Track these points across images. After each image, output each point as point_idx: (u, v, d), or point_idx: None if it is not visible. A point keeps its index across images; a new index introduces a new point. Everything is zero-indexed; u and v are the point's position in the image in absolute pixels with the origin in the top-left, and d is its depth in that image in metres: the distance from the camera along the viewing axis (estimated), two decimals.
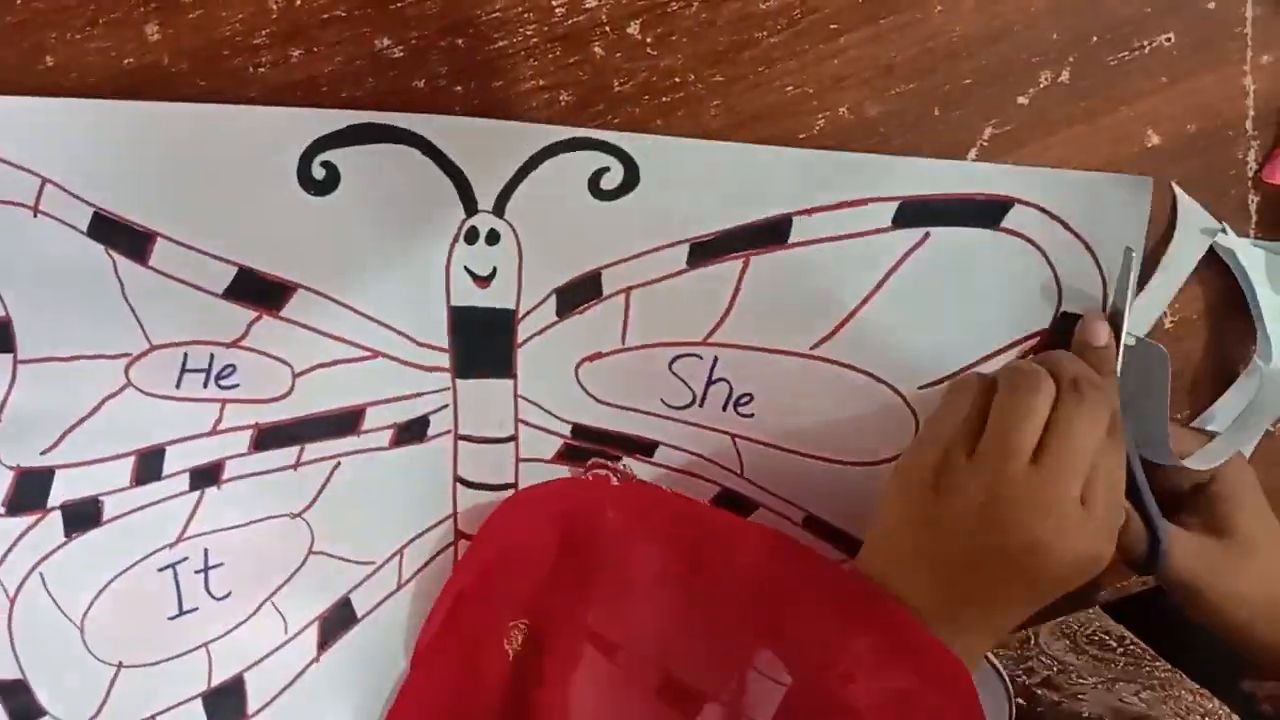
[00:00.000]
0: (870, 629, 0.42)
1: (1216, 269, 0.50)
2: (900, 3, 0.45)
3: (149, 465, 0.49)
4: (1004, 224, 0.47)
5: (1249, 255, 0.48)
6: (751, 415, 0.50)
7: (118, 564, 0.50)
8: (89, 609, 0.50)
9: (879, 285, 0.47)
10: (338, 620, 0.52)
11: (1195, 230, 0.48)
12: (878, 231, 0.46)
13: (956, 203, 0.46)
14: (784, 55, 0.46)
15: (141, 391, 0.48)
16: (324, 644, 0.52)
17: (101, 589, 0.50)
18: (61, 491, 0.49)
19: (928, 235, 0.46)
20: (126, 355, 0.48)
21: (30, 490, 0.48)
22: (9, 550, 0.49)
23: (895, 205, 0.45)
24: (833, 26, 0.46)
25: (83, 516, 0.49)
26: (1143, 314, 0.49)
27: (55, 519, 0.49)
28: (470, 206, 0.48)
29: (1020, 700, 0.58)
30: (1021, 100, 0.46)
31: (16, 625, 0.50)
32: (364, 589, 0.52)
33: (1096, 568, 0.42)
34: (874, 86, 0.46)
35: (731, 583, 0.47)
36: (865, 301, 0.48)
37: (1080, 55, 0.46)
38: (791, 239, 0.47)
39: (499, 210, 0.48)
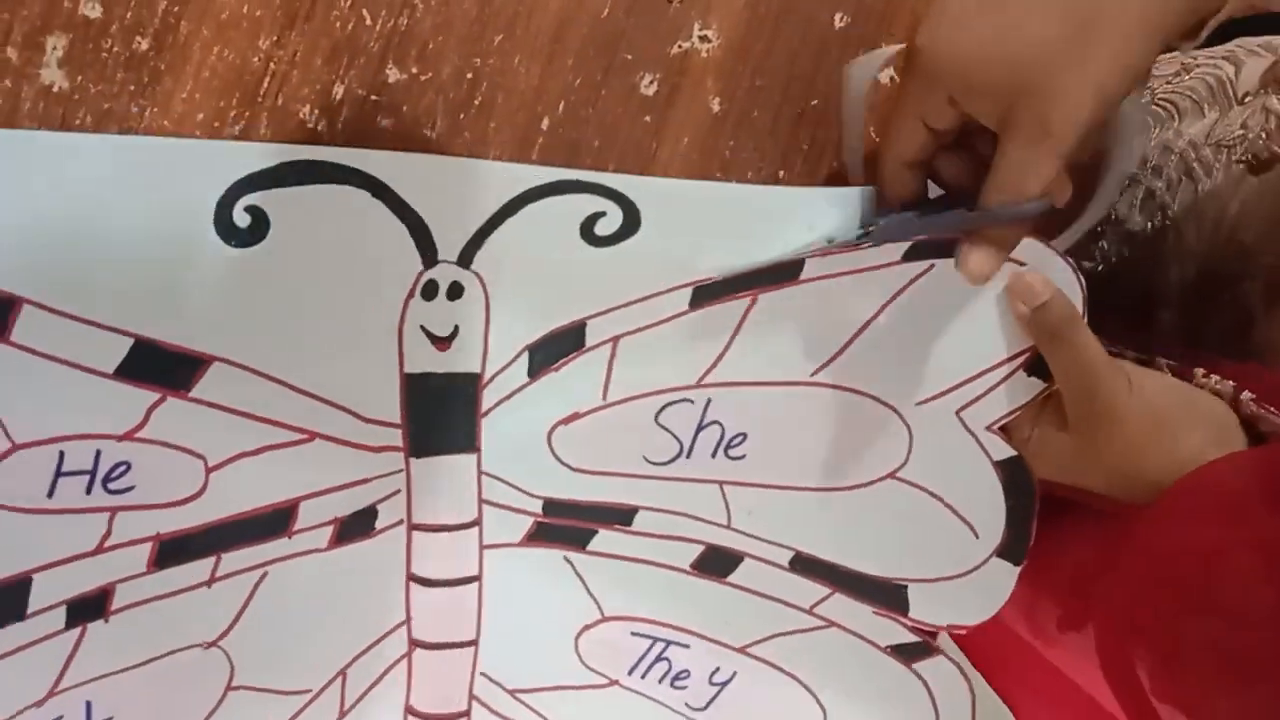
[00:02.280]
0: None
1: None
2: None
3: (9, 601, 0.37)
4: None
5: None
6: (743, 457, 0.46)
7: None
8: None
9: (882, 309, 0.44)
10: None
11: None
12: (889, 265, 0.44)
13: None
14: None
15: None
16: None
17: None
18: None
19: (933, 265, 0.44)
20: None
21: None
22: None
23: (908, 244, 0.44)
24: None
25: None
26: None
27: None
28: (429, 257, 0.40)
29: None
30: None
31: None
32: None
33: None
34: None
35: None
36: (867, 325, 0.45)
37: None
38: (803, 276, 0.43)
39: (465, 260, 0.41)
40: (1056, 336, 0.43)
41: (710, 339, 0.44)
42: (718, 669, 0.50)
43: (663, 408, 0.45)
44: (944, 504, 0.48)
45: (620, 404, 0.45)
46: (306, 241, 0.38)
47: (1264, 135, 0.51)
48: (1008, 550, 0.49)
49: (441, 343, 0.42)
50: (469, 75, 0.39)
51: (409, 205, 0.39)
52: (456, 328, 0.42)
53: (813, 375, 0.45)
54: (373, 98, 0.38)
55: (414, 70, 0.39)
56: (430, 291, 0.41)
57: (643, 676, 0.49)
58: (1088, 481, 0.46)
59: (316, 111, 0.38)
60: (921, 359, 0.46)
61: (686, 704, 0.50)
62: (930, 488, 0.48)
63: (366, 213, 0.39)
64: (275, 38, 0.37)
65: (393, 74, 0.39)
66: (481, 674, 0.46)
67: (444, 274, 0.41)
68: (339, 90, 0.38)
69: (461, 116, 0.40)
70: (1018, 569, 0.49)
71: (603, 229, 0.42)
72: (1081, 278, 0.44)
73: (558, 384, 0.43)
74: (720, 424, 0.46)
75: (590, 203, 0.41)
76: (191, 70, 0.36)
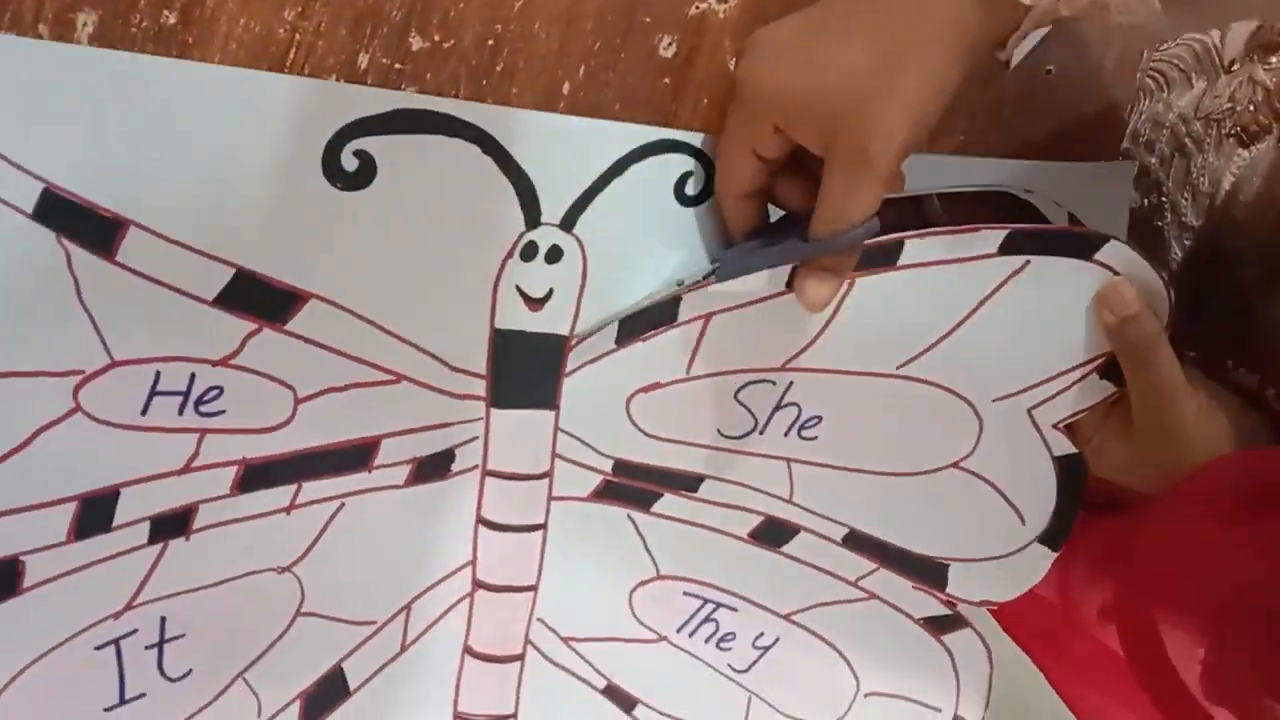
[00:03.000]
0: None
1: None
2: None
3: (95, 513, 0.38)
4: (1097, 257, 0.45)
5: None
6: (815, 439, 0.47)
7: (37, 645, 0.39)
8: None
9: (976, 309, 0.44)
10: (325, 695, 0.44)
11: None
12: (984, 257, 0.43)
13: (1061, 234, 0.45)
14: None
15: (93, 419, 0.37)
16: None
17: (7, 682, 0.38)
18: None
19: (1028, 263, 0.44)
20: (77, 373, 0.36)
21: None
22: None
23: (1004, 234, 0.43)
24: None
25: None
26: None
27: None
28: (533, 219, 0.40)
29: None
30: None
31: None
32: (360, 655, 0.44)
33: None
34: None
35: None
36: (961, 324, 0.45)
37: None
38: (901, 262, 0.43)
39: (568, 224, 0.41)
40: (1139, 351, 0.44)
41: (802, 325, 0.44)
42: (762, 634, 0.51)
43: (743, 385, 0.46)
44: (999, 492, 0.49)
45: (702, 378, 0.45)
46: (411, 190, 0.39)
47: (1251, 107, 0.50)
48: (1049, 538, 0.50)
49: (535, 304, 0.42)
50: (490, 42, 0.39)
51: (518, 165, 0.40)
52: (551, 290, 0.42)
53: (898, 368, 0.46)
54: (397, 66, 0.38)
55: (436, 38, 0.38)
56: (530, 253, 0.41)
57: (690, 635, 0.50)
58: (1138, 486, 0.47)
59: (342, 81, 0.38)
60: (1006, 357, 0.46)
61: (730, 665, 0.51)
62: (990, 478, 0.48)
63: (474, 168, 0.39)
64: (300, 9, 0.37)
65: (416, 42, 0.38)
66: (538, 619, 0.47)
67: (545, 236, 0.41)
68: (363, 60, 0.38)
69: (484, 83, 0.39)
70: (1055, 554, 0.50)
71: (691, 188, 0.42)
72: (1171, 292, 0.45)
73: (643, 353, 0.44)
74: (798, 406, 0.46)
75: (681, 162, 0.42)
76: (218, 43, 0.36)
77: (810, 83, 0.38)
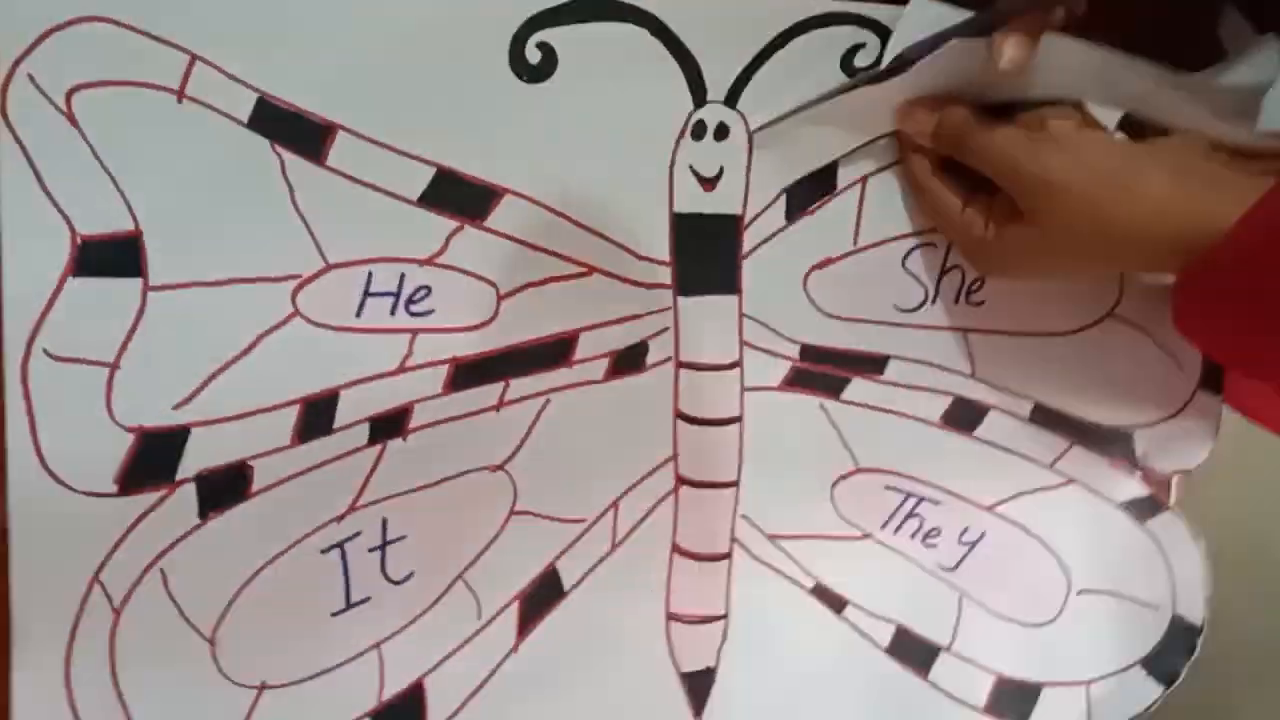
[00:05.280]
0: None
1: None
2: None
3: (317, 416, 0.39)
4: None
5: None
6: (983, 302, 0.47)
7: (266, 550, 0.40)
8: (224, 615, 0.39)
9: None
10: (541, 596, 0.44)
11: None
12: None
13: None
14: None
15: (312, 322, 0.39)
16: (525, 628, 0.44)
17: (242, 586, 0.40)
18: (197, 458, 0.38)
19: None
20: (294, 277, 0.38)
21: (155, 458, 0.37)
22: (119, 541, 0.38)
23: None
24: None
25: (224, 489, 0.39)
26: None
27: (187, 495, 0.38)
28: (699, 96, 0.42)
29: None
30: None
31: (122, 645, 0.38)
32: (572, 554, 0.44)
33: None
34: None
35: None
36: None
37: None
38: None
39: (731, 100, 0.42)
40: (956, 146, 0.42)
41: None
42: (967, 528, 0.50)
43: (909, 252, 0.46)
44: (1152, 340, 0.49)
45: (870, 248, 0.46)
46: (590, 79, 0.40)
47: None
48: (1208, 380, 0.50)
49: (708, 183, 0.43)
50: None
51: (683, 43, 0.41)
52: (722, 168, 0.43)
53: None
54: None
55: None
56: (699, 131, 0.42)
57: (895, 531, 0.49)
58: (1077, 267, 0.44)
59: None
60: None
61: (939, 564, 0.50)
62: (1141, 323, 0.49)
63: (646, 51, 0.41)
64: None
65: None
66: (743, 516, 0.46)
67: (712, 114, 0.42)
68: None
69: None
70: (1220, 401, 0.50)
71: (861, 60, 0.43)
72: None
73: (813, 227, 0.45)
74: (960, 267, 0.47)
75: (853, 34, 0.43)
76: None
77: None
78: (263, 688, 0.40)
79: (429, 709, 0.43)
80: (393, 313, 0.40)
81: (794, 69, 0.42)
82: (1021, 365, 0.48)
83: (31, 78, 0.34)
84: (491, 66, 0.39)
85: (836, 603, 0.49)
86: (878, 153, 0.45)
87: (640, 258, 0.43)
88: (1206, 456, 0.51)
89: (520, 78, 0.40)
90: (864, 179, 0.45)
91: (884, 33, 0.42)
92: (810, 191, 0.44)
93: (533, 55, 0.40)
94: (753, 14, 0.42)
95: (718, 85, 0.42)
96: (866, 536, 0.49)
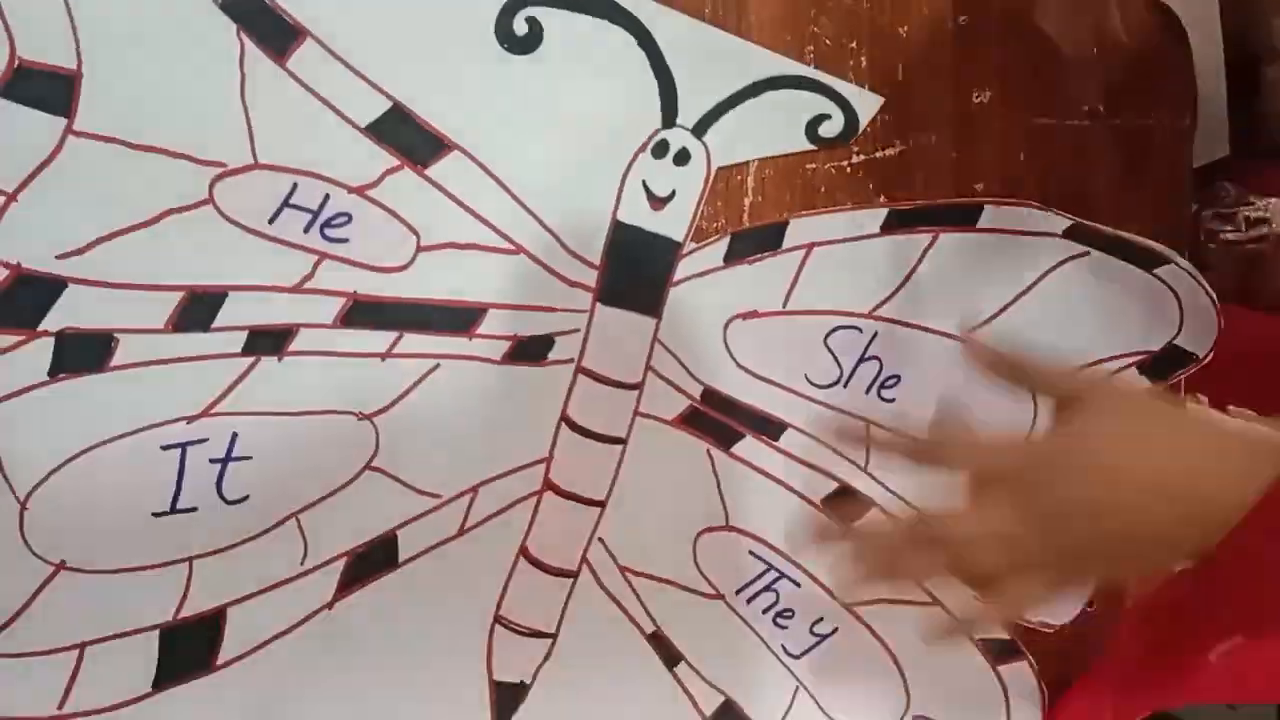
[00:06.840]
0: None
1: None
2: None
3: (199, 310, 0.38)
4: (1156, 272, 0.48)
5: None
6: (893, 400, 0.47)
7: (108, 427, 0.38)
8: (44, 480, 0.37)
9: (1038, 280, 0.48)
10: (373, 560, 0.42)
11: None
12: (1050, 235, 0.47)
13: (1123, 242, 0.48)
14: None
15: (223, 214, 0.37)
16: (346, 587, 0.42)
17: (72, 456, 0.38)
18: (65, 313, 0.36)
19: (1089, 252, 0.48)
20: (219, 165, 0.37)
21: (24, 301, 0.36)
22: None
23: (1069, 223, 0.47)
24: None
25: (83, 354, 0.37)
26: None
27: (43, 348, 0.37)
28: (669, 117, 0.42)
29: None
30: None
31: None
32: (417, 527, 0.42)
33: None
34: None
35: None
36: (1023, 294, 0.48)
37: None
38: (980, 224, 0.47)
39: (700, 130, 0.42)
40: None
41: (891, 268, 0.46)
42: (821, 619, 0.48)
43: (833, 330, 0.46)
44: None
45: (799, 314, 0.46)
46: (569, 67, 0.40)
47: None
48: None
49: (657, 202, 0.43)
50: None
51: (666, 63, 0.41)
52: (674, 192, 0.43)
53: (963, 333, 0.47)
54: None
55: None
56: (661, 150, 0.42)
57: (749, 601, 0.48)
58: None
59: None
60: (1058, 335, 0.48)
61: (784, 646, 0.49)
62: None
63: (629, 59, 0.41)
64: None
65: None
66: (599, 539, 0.45)
67: (677, 138, 0.42)
68: None
69: None
70: None
71: (826, 131, 0.44)
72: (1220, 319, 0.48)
73: (748, 277, 0.45)
74: (880, 360, 0.47)
75: (820, 104, 0.43)
76: None
77: None
78: (61, 566, 0.38)
79: (224, 640, 0.40)
80: (306, 230, 0.39)
81: (761, 120, 0.43)
82: (916, 472, 0.48)
83: None
84: (478, 25, 0.39)
85: (671, 656, 0.47)
86: (836, 225, 0.45)
87: (570, 252, 0.42)
88: None
89: (502, 44, 0.39)
90: (810, 246, 0.45)
91: (847, 108, 0.44)
92: (755, 242, 0.44)
93: (520, 27, 0.40)
94: (738, 55, 0.42)
95: (689, 112, 0.42)
96: (719, 597, 0.47)
